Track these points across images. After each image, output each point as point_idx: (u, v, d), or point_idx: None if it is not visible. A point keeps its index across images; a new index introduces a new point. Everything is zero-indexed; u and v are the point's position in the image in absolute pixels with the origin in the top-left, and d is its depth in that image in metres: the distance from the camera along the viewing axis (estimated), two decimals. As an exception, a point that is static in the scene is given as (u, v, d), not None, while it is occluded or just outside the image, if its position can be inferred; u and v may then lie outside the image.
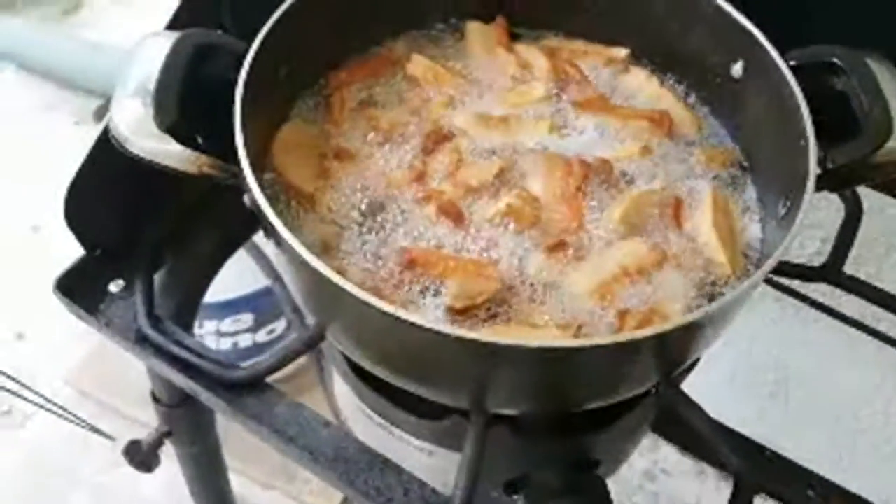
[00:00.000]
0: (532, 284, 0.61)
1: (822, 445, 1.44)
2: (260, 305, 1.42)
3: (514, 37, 0.79)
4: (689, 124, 0.74)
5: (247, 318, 1.45)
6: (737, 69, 0.70)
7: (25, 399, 1.50)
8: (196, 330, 1.42)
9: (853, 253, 0.79)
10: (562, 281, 0.61)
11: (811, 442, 1.45)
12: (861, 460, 1.41)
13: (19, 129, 2.12)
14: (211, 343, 1.46)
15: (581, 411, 0.61)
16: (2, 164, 2.02)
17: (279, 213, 0.64)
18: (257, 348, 1.49)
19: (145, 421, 1.40)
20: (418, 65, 0.73)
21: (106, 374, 1.59)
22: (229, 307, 1.41)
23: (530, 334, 0.56)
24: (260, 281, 1.11)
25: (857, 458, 1.41)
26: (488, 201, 0.65)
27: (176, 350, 0.65)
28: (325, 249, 0.62)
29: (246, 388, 0.65)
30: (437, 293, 0.59)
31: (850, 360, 1.32)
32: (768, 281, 0.59)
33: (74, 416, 1.53)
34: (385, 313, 0.50)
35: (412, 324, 0.49)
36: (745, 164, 0.72)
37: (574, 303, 0.60)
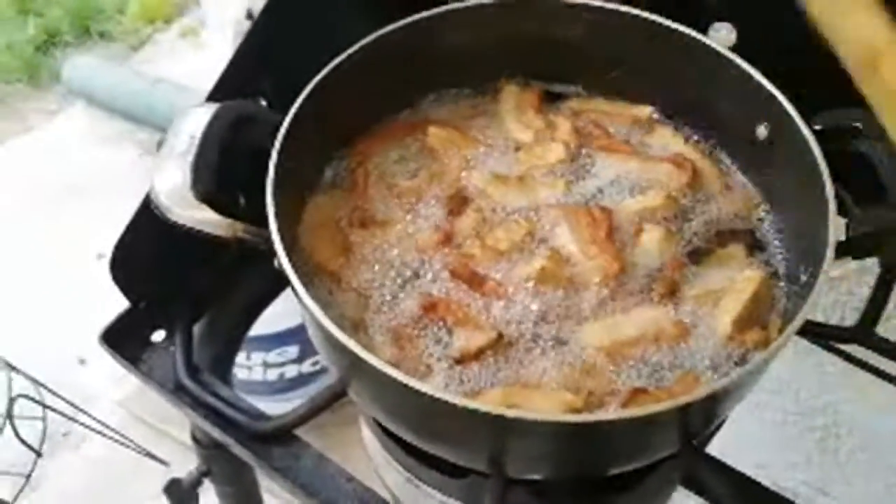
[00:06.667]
0: (540, 339, 0.62)
1: (872, 492, 1.39)
2: (304, 338, 1.44)
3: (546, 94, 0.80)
4: (714, 179, 0.74)
5: (292, 350, 1.49)
6: (761, 131, 0.70)
7: (82, 424, 1.57)
8: (244, 361, 1.48)
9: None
10: (573, 337, 0.62)
11: (862, 489, 1.40)
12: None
13: (87, 160, 2.23)
14: (258, 374, 1.50)
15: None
16: (70, 193, 2.12)
17: (309, 277, 0.67)
18: (302, 378, 1.54)
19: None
20: (435, 137, 0.74)
21: (161, 400, 1.65)
22: (276, 339, 1.45)
23: (538, 397, 0.57)
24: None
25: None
26: (518, 262, 0.66)
27: (210, 400, 0.69)
28: (350, 317, 0.64)
29: (273, 439, 0.68)
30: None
31: (902, 407, 1.28)
32: (802, 333, 0.58)
33: (129, 440, 1.59)
34: (399, 383, 0.51)
35: (419, 392, 0.51)
36: (773, 225, 0.72)
37: (583, 361, 0.61)
